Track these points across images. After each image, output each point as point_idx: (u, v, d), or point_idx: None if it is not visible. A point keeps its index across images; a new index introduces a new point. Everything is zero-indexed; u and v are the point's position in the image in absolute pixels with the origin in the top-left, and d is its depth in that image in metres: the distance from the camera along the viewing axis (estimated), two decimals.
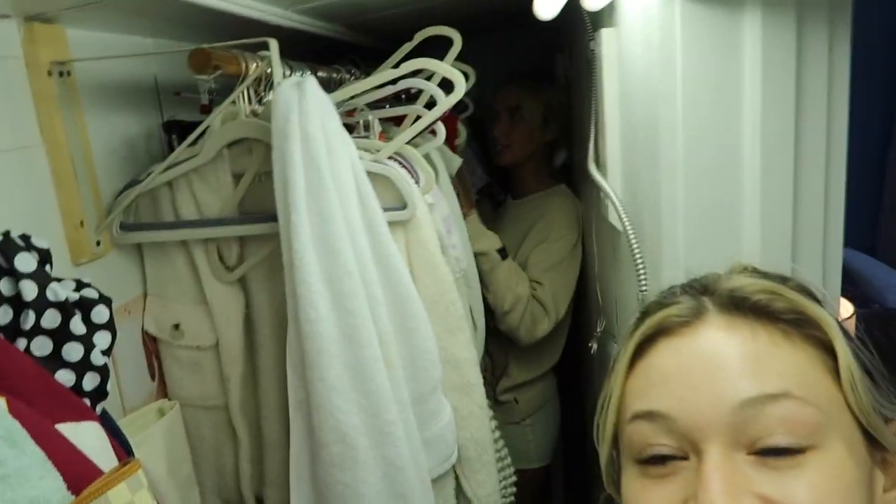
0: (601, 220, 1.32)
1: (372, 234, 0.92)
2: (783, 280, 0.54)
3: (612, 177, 1.14)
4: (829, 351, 0.49)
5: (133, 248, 1.03)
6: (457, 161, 1.61)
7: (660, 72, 0.82)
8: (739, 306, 0.50)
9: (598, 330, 1.36)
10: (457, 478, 1.05)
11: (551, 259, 1.65)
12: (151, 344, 1.05)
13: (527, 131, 1.76)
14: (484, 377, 1.17)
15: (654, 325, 0.52)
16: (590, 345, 1.37)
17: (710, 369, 0.47)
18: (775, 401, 0.45)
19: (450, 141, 1.70)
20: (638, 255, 0.95)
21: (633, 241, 0.96)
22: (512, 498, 1.31)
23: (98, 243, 0.93)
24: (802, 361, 0.48)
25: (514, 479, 1.31)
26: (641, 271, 0.94)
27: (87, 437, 0.64)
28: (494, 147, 1.80)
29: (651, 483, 0.48)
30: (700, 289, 0.54)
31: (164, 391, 1.06)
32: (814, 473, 0.44)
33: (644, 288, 0.92)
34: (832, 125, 0.80)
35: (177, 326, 1.02)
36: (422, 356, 0.94)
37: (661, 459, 0.48)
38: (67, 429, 0.62)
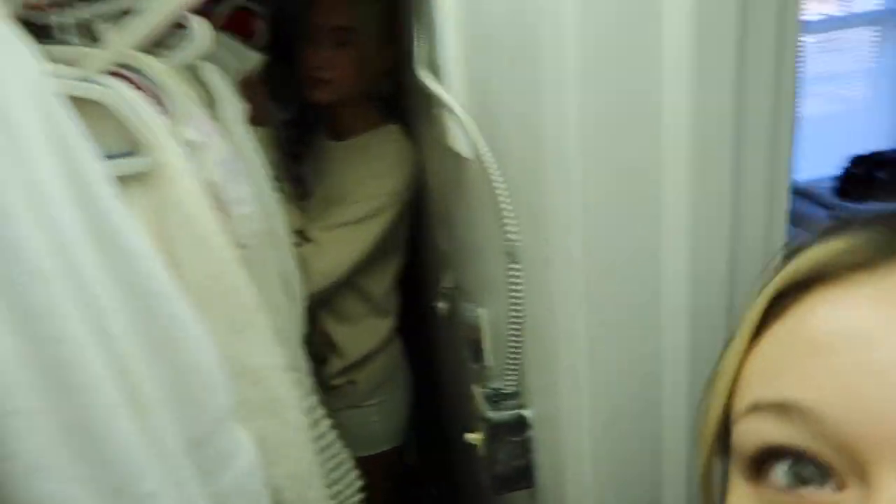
0: (439, 148, 1.03)
1: (83, 200, 0.55)
2: None
3: (452, 85, 0.85)
4: None
5: None
6: (253, 58, 1.19)
7: None
8: None
9: (444, 285, 1.10)
10: None
11: (342, 218, 1.27)
12: None
13: (358, 59, 1.28)
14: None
15: (808, 265, 0.32)
16: (434, 303, 1.10)
17: None
18: None
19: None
20: (501, 190, 0.67)
21: (494, 170, 0.68)
22: None
23: None
24: None
25: (358, 484, 1.04)
26: (506, 208, 0.67)
27: None
28: (309, 78, 1.30)
29: None
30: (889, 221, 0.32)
31: None
32: None
33: (513, 235, 0.65)
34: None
35: None
36: (193, 378, 0.61)
37: (795, 480, 0.30)
38: None
